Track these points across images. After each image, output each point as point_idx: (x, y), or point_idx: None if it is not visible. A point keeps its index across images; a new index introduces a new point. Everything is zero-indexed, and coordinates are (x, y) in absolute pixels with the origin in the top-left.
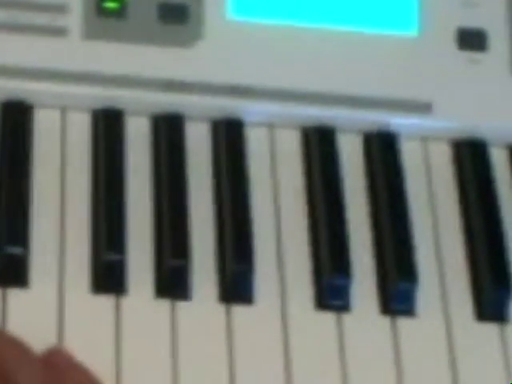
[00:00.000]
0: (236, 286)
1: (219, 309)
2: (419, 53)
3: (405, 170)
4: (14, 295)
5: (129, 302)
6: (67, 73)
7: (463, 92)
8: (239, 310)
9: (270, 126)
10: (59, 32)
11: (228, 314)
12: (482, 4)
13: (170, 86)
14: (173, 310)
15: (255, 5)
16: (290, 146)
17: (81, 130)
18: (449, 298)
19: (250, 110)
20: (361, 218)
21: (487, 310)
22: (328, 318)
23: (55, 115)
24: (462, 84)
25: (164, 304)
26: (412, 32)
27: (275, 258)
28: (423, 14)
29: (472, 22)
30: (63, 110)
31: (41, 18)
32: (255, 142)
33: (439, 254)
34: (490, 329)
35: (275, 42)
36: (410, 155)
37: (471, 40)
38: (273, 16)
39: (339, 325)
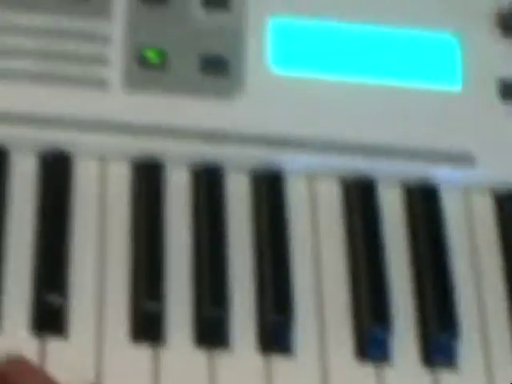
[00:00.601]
0: (276, 337)
1: (258, 359)
2: (462, 105)
3: (447, 221)
4: (53, 345)
5: (168, 351)
6: (108, 123)
7: (506, 144)
8: (279, 361)
9: (310, 177)
10: (100, 83)
11: (267, 364)
12: None
13: (211, 137)
14: (212, 359)
15: (296, 58)
16: (330, 197)
17: (121, 180)
18: (491, 350)
19: (290, 161)
20: (402, 268)
21: None
22: (368, 369)
23: (96, 165)
24: (504, 136)
25: (203, 354)
26: (454, 85)
27: (315, 308)
28: (465, 67)
29: None
30: (103, 161)
31: (82, 70)
32: (295, 193)
33: (481, 305)
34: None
35: (315, 95)
36: (451, 207)
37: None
38: (313, 69)
39: (380, 377)
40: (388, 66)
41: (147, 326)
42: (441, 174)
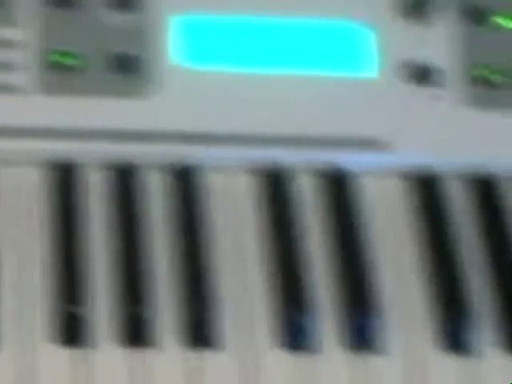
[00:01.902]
0: (201, 330)
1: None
2: (374, 92)
3: (364, 205)
4: None
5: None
6: (23, 128)
7: (419, 128)
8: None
9: (227, 171)
10: (13, 89)
11: (191, 360)
12: (435, 41)
13: (125, 136)
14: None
15: (208, 52)
16: (246, 189)
17: (34, 184)
18: (412, 332)
19: (206, 156)
20: (320, 254)
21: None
22: (291, 357)
23: (11, 171)
24: (417, 120)
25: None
26: (366, 72)
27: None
28: (377, 53)
29: (425, 58)
30: (18, 166)
31: None
32: (211, 187)
33: (401, 287)
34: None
35: (226, 88)
36: (368, 192)
37: (424, 77)
38: (226, 63)
39: (305, 364)
40: (299, 56)
41: (71, 329)
42: (356, 160)
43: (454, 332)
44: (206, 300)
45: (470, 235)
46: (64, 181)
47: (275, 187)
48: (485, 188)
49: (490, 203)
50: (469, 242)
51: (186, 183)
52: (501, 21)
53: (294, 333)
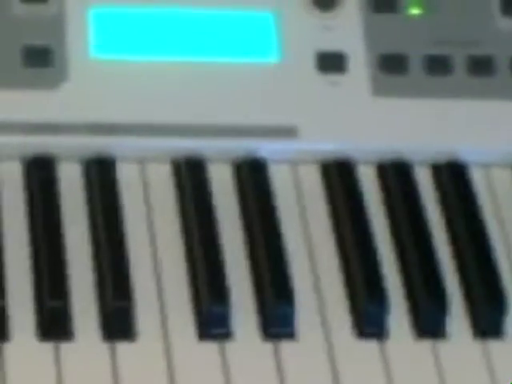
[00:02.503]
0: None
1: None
2: (281, 78)
3: (276, 194)
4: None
5: (12, 346)
6: None
7: (326, 114)
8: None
9: (142, 161)
10: None
11: (105, 352)
12: (340, 27)
13: (39, 128)
14: (57, 351)
15: (117, 43)
16: (162, 179)
17: None
18: (328, 318)
19: (120, 147)
20: (235, 244)
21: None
22: (211, 346)
23: None
24: (324, 107)
25: (48, 346)
26: (272, 59)
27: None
28: (282, 40)
29: (331, 45)
30: None
31: None
32: (127, 178)
33: (315, 275)
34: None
35: (140, 78)
36: (279, 179)
37: (331, 63)
38: (134, 53)
39: (222, 354)
40: (207, 43)
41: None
42: (267, 148)
43: (369, 316)
44: (122, 292)
45: (384, 219)
46: None
47: (190, 176)
48: (397, 172)
49: (404, 188)
50: (380, 225)
51: (101, 174)
52: (407, 8)
53: (210, 322)
